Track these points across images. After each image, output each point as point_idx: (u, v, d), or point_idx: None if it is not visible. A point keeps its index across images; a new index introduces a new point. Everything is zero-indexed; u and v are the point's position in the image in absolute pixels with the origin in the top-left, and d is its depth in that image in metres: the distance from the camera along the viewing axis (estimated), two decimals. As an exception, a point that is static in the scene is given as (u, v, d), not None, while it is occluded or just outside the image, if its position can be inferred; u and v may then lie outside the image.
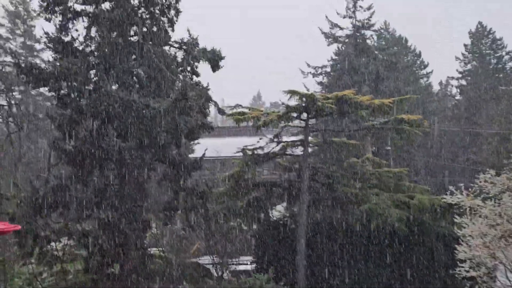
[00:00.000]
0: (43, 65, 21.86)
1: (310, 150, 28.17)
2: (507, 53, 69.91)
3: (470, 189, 20.26)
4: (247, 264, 28.44)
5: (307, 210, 26.50)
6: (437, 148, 57.80)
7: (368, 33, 58.01)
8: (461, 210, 20.60)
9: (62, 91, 21.15)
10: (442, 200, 23.81)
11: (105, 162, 20.81)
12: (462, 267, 19.49)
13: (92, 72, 21.53)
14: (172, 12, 22.26)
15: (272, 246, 27.85)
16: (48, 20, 21.32)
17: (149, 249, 23.77)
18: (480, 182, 20.27)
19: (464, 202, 20.07)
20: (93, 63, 21.36)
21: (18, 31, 52.41)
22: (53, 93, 21.64)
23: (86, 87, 21.07)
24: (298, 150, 28.31)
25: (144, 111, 20.12)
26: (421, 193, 26.73)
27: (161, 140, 20.99)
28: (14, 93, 46.35)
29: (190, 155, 30.50)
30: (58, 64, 20.72)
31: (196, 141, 30.29)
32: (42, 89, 38.79)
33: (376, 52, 57.88)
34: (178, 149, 22.43)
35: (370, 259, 26.12)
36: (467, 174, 51.33)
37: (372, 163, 29.45)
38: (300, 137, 28.06)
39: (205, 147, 24.35)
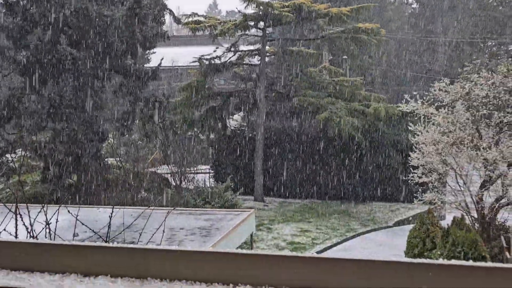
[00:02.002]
0: (-11, -29, 20.91)
1: (267, 59, 28.04)
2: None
3: (424, 98, 20.60)
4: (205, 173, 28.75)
5: (264, 119, 26.65)
6: (393, 57, 58.12)
7: None
8: (415, 118, 21.01)
9: (10, -2, 20.38)
10: (397, 109, 24.22)
11: (59, 72, 20.39)
12: (415, 173, 20.06)
13: (42, -22, 20.70)
14: None
15: (229, 155, 28.14)
16: None
17: (106, 159, 23.76)
18: (434, 90, 20.62)
19: (418, 110, 20.44)
20: (43, -32, 20.51)
21: None
22: (1, 1, 20.82)
23: (36, -6, 20.31)
24: (255, 60, 28.16)
25: (97, 20, 19.60)
26: (377, 101, 27.06)
27: (116, 50, 20.57)
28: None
29: (146, 65, 30.16)
30: (5, -31, 19.87)
31: (151, 51, 29.90)
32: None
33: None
34: (134, 59, 22.06)
35: (326, 166, 26.64)
36: (422, 82, 52.02)
37: (328, 72, 29.52)
38: (257, 46, 27.83)
39: (161, 56, 24.01)
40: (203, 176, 27.78)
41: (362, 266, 1.15)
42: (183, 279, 1.21)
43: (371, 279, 1.13)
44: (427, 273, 1.12)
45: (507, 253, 16.75)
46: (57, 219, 4.88)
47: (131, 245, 1.26)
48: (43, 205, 4.78)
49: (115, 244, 1.28)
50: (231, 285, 1.18)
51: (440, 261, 1.12)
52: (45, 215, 4.66)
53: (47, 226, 4.67)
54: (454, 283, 1.10)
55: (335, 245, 20.45)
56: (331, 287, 1.13)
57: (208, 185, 24.43)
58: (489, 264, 1.11)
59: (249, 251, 1.20)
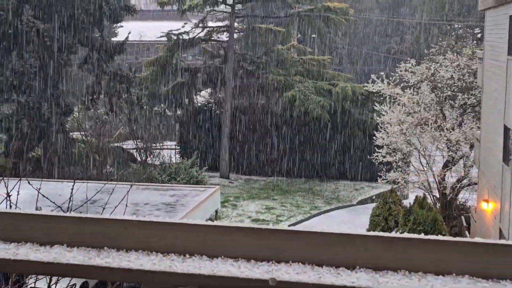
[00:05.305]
0: None
1: (235, 36, 27.92)
2: None
3: (391, 78, 20.78)
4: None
5: (231, 96, 26.60)
6: (361, 37, 58.32)
7: None
8: (381, 98, 21.21)
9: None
10: (364, 88, 24.39)
11: (23, 44, 20.02)
12: (379, 152, 20.30)
13: None
14: None
15: (196, 131, 28.05)
16: None
17: (71, 133, 23.52)
18: (401, 71, 20.82)
19: (385, 90, 20.64)
20: None
21: None
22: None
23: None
24: (224, 36, 28.01)
25: (63, -9, 19.26)
26: (344, 81, 27.19)
27: (82, 22, 20.27)
28: None
29: (113, 39, 29.81)
30: None
31: (119, 24, 29.53)
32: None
33: None
34: (101, 32, 21.78)
35: (292, 144, 26.75)
36: (389, 63, 52.35)
37: (297, 51, 29.53)
38: (226, 22, 27.67)
39: (128, 30, 23.76)
40: (169, 152, 27.70)
41: (317, 237, 1.17)
42: (140, 249, 1.22)
43: (326, 251, 1.16)
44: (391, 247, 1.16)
45: (466, 232, 17.10)
46: (18, 192, 4.83)
47: (88, 215, 1.27)
48: (3, 177, 4.71)
49: (71, 214, 1.28)
50: (187, 255, 1.19)
51: (393, 234, 1.15)
52: (6, 187, 4.60)
53: (7, 198, 4.61)
54: (411, 255, 1.15)
55: (299, 222, 20.62)
56: (287, 258, 1.15)
57: (174, 161, 24.36)
58: (446, 238, 1.15)
59: (205, 222, 1.21)
